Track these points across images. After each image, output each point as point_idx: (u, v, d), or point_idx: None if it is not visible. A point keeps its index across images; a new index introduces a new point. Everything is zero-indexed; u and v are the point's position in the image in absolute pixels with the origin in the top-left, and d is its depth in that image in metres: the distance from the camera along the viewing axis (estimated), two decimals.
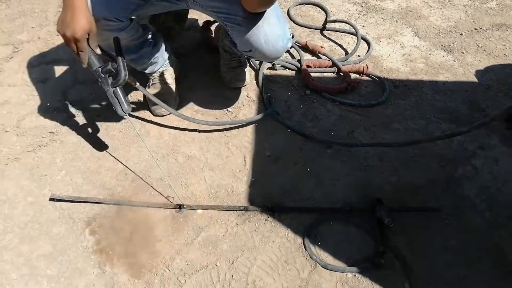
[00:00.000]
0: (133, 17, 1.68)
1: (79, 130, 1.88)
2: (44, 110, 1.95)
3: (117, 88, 1.52)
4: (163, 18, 2.05)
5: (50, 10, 2.47)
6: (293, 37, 2.32)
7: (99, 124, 1.91)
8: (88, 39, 1.44)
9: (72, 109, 1.94)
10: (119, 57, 1.50)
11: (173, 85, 2.00)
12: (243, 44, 1.64)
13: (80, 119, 1.93)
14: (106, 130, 1.89)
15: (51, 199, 1.65)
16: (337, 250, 1.55)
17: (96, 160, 1.78)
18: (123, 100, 1.54)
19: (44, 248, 1.53)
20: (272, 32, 1.60)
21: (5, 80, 2.08)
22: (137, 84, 1.72)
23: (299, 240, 1.58)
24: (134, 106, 1.99)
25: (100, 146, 1.83)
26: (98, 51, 1.51)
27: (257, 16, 1.56)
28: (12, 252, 1.51)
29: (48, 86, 2.05)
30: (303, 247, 1.55)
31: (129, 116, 1.63)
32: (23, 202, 1.65)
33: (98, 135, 1.87)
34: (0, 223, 1.58)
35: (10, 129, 1.87)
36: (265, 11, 1.57)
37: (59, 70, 2.13)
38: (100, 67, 1.49)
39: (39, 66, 2.15)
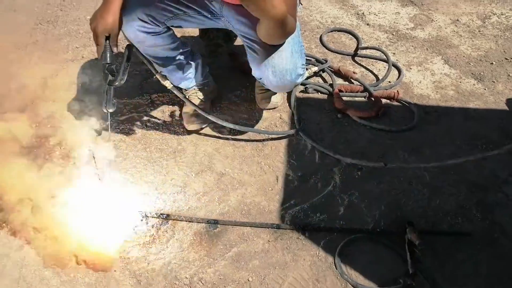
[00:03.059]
0: (170, 26, 1.78)
1: (119, 144, 1.96)
2: (85, 125, 2.04)
3: (111, 87, 1.64)
4: (213, 34, 2.15)
5: None
6: (326, 61, 2.39)
7: (138, 139, 1.99)
8: (109, 37, 1.57)
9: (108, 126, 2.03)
10: (124, 63, 1.62)
11: (207, 103, 2.08)
12: (255, 71, 1.74)
13: (121, 133, 2.01)
14: (145, 146, 1.97)
15: None
16: (368, 270, 1.57)
17: (135, 173, 1.85)
18: (111, 99, 1.66)
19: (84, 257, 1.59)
20: (281, 65, 1.66)
21: (50, 95, 2.19)
22: (172, 86, 1.82)
23: (330, 259, 1.60)
24: (160, 121, 2.07)
25: (139, 160, 1.90)
26: (115, 49, 1.62)
27: (272, 48, 1.64)
28: None
29: (90, 102, 2.15)
30: (334, 266, 1.57)
31: (110, 115, 1.77)
32: None
33: (137, 149, 1.94)
34: None
35: (54, 142, 1.96)
36: (281, 45, 1.63)
37: (100, 87, 2.23)
38: (107, 63, 1.60)
39: (82, 84, 2.26)
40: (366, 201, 1.79)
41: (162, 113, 2.13)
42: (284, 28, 1.48)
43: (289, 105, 2.20)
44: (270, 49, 1.64)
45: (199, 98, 2.04)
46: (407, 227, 1.64)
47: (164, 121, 2.09)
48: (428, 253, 1.60)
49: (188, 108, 2.04)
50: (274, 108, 2.17)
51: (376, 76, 2.43)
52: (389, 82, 2.38)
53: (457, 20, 2.86)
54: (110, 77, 1.63)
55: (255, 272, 1.55)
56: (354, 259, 1.60)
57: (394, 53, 2.59)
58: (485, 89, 2.34)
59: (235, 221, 1.70)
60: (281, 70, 1.67)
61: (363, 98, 2.28)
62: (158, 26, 1.73)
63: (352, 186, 1.84)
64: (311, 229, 1.68)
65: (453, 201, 1.79)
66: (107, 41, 1.60)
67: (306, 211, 1.75)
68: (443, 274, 1.55)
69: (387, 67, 2.45)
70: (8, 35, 2.53)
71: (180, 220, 1.69)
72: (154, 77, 1.88)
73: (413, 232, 1.60)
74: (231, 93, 2.24)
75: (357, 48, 2.57)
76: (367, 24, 2.83)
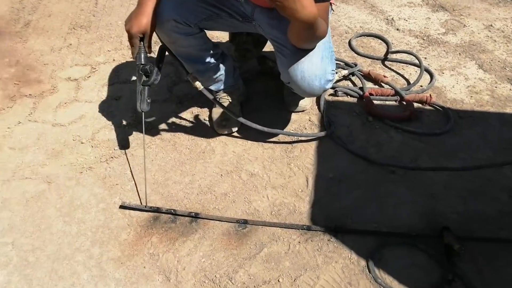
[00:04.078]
0: (202, 27, 1.80)
1: (148, 144, 1.97)
2: (117, 125, 2.07)
3: (145, 87, 1.67)
4: (243, 39, 2.15)
5: (124, 36, 2.64)
6: (356, 65, 2.36)
7: (167, 139, 2.00)
8: (143, 38, 1.61)
9: (143, 125, 2.04)
10: (158, 65, 1.69)
11: (237, 106, 2.07)
12: (284, 75, 1.72)
13: (150, 134, 2.02)
14: (174, 146, 1.97)
15: (121, 207, 1.72)
16: (402, 275, 1.51)
17: (164, 173, 1.86)
18: (145, 99, 1.69)
19: (113, 253, 1.58)
20: (310, 71, 1.64)
21: (83, 96, 2.23)
22: (202, 87, 1.82)
23: (362, 262, 1.55)
24: (189, 123, 2.07)
25: (168, 160, 1.91)
26: (148, 51, 1.65)
27: (302, 52, 1.63)
28: (84, 254, 1.58)
29: (121, 104, 2.18)
30: (367, 270, 1.53)
31: (145, 119, 1.80)
32: (95, 208, 1.73)
33: (166, 150, 1.95)
34: (74, 226, 1.67)
35: (86, 141, 1.99)
36: (311, 50, 1.63)
37: (131, 89, 2.26)
38: (142, 64, 1.63)
39: (113, 85, 2.29)
40: (399, 204, 1.74)
41: (191, 114, 2.13)
42: (315, 31, 1.47)
43: (318, 108, 2.18)
44: (300, 54, 1.63)
45: (229, 100, 2.04)
46: (444, 231, 1.59)
47: (193, 123, 2.09)
48: (466, 259, 1.53)
49: (217, 111, 2.04)
50: (303, 111, 2.15)
51: (407, 80, 2.39)
52: (421, 86, 2.33)
53: (491, 26, 2.80)
54: (144, 78, 1.66)
55: (286, 273, 1.52)
56: (388, 263, 1.55)
57: (425, 58, 2.54)
58: None
59: (264, 222, 1.67)
60: (310, 75, 1.65)
61: (394, 102, 2.23)
62: (191, 27, 1.74)
63: (385, 189, 1.79)
64: (343, 231, 1.63)
65: (491, 207, 1.72)
66: (141, 42, 1.63)
67: (337, 213, 1.71)
68: (482, 280, 1.49)
69: (418, 71, 2.41)
70: (44, 39, 2.60)
71: (210, 219, 1.68)
72: (186, 78, 1.89)
73: (452, 237, 1.54)
74: (260, 96, 2.23)
75: (387, 52, 2.53)
76: (397, 29, 2.80)
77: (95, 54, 2.51)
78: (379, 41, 2.69)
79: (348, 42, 2.66)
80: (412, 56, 2.51)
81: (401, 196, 1.77)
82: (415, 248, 1.59)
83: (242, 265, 1.54)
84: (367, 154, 1.93)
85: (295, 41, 1.58)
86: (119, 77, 2.35)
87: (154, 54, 1.94)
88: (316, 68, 1.65)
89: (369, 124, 2.10)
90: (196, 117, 2.12)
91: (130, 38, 1.61)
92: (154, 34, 1.71)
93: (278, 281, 1.50)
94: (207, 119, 2.11)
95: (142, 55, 1.64)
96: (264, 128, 1.91)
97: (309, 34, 1.50)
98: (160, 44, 1.82)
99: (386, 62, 2.51)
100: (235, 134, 2.03)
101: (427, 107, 2.20)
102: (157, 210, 1.70)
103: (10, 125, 2.06)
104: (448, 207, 1.73)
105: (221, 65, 1.99)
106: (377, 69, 2.45)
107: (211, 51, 1.91)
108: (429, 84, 2.34)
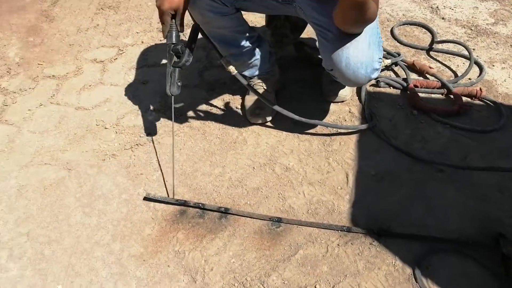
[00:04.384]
0: (239, 7, 1.67)
1: (177, 132, 1.85)
2: (144, 111, 1.95)
3: (176, 69, 1.55)
4: (280, 23, 2.00)
5: (154, 18, 2.52)
6: (399, 55, 2.19)
7: (197, 127, 1.87)
8: (175, 16, 1.49)
9: (171, 112, 1.93)
10: (190, 45, 1.56)
11: (272, 94, 1.93)
12: (326, 61, 1.56)
13: (178, 122, 1.90)
14: (203, 135, 1.84)
15: (145, 199, 1.61)
16: (453, 286, 1.36)
17: (192, 163, 1.73)
18: (175, 82, 1.56)
19: (135, 249, 1.47)
20: (356, 57, 1.49)
21: (108, 79, 2.12)
22: (236, 72, 1.69)
23: (408, 270, 1.40)
24: (220, 111, 1.93)
25: (197, 150, 1.78)
26: (180, 29, 1.53)
27: (347, 38, 1.48)
28: (103, 249, 1.47)
29: (149, 88, 2.06)
30: (414, 279, 1.38)
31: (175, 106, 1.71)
32: (118, 199, 1.62)
33: (195, 139, 1.82)
34: (94, 218, 1.56)
35: (110, 126, 1.88)
36: (357, 35, 1.48)
37: (160, 73, 2.14)
38: (173, 43, 1.52)
39: (141, 69, 2.18)
40: (448, 207, 1.57)
41: (222, 101, 2.00)
42: (364, 13, 1.32)
43: (359, 98, 2.01)
44: (345, 39, 1.48)
45: (263, 88, 1.90)
46: (500, 239, 1.42)
47: (224, 110, 1.96)
48: None
49: (251, 98, 1.91)
50: (343, 101, 1.99)
51: (454, 72, 2.20)
52: (469, 79, 2.14)
53: None
54: (175, 59, 1.54)
55: (324, 279, 1.38)
56: (436, 272, 1.39)
57: (474, 49, 2.34)
58: None
59: (300, 221, 1.53)
60: (355, 62, 1.50)
61: (440, 95, 2.06)
62: (226, 6, 1.61)
63: (432, 190, 1.63)
64: (387, 235, 1.48)
65: None
66: (173, 20, 1.51)
67: (380, 214, 1.56)
68: None
69: (466, 63, 2.22)
70: (70, 19, 2.50)
71: (240, 216, 1.55)
72: (219, 62, 1.75)
73: (510, 245, 1.38)
74: (296, 84, 2.08)
75: (432, 42, 2.35)
76: (442, 18, 2.60)
77: (123, 35, 2.40)
78: (423, 30, 2.50)
79: (390, 30, 2.48)
80: (459, 47, 2.32)
81: (450, 197, 1.61)
82: (468, 257, 1.43)
83: (275, 268, 1.41)
84: (412, 150, 1.76)
85: (341, 24, 1.43)
86: (148, 60, 2.23)
87: (185, 36, 1.80)
88: (362, 55, 1.50)
89: (414, 117, 1.93)
90: (228, 104, 1.98)
91: (161, 15, 1.49)
92: (187, 14, 1.58)
93: (315, 287, 1.36)
94: (239, 107, 1.97)
95: (174, 34, 1.53)
96: (301, 118, 1.77)
97: (359, 15, 1.34)
98: (193, 24, 1.68)
99: (431, 53, 2.32)
100: (269, 124, 1.89)
101: (477, 101, 2.02)
102: (184, 203, 1.58)
103: (31, 107, 1.96)
104: (503, 211, 1.56)
105: (257, 50, 1.85)
106: (422, 60, 2.27)
107: (247, 34, 1.78)
108: (478, 77, 2.15)
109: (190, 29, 1.66)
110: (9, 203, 1.60)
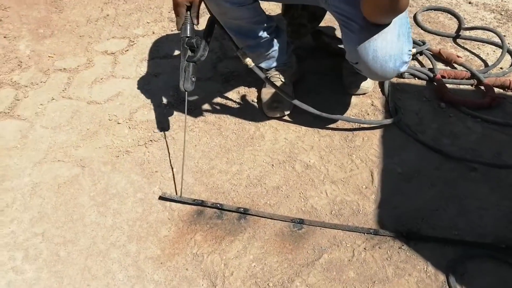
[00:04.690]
0: None
1: (191, 127, 1.77)
2: (157, 104, 1.87)
3: (190, 64, 1.48)
4: (298, 13, 1.89)
5: (165, 7, 2.43)
6: (424, 43, 2.07)
7: (212, 122, 1.79)
8: (190, 7, 1.44)
9: (185, 106, 1.85)
10: (206, 39, 1.50)
11: (290, 87, 1.83)
12: (351, 53, 1.46)
13: (192, 116, 1.81)
14: (219, 130, 1.76)
15: (161, 198, 1.53)
16: None
17: (208, 160, 1.65)
18: (189, 77, 1.49)
19: (152, 251, 1.40)
20: (384, 50, 1.39)
21: (120, 72, 2.04)
22: (253, 65, 1.61)
23: (441, 276, 1.31)
24: (236, 104, 1.84)
25: (213, 146, 1.70)
26: (196, 22, 1.48)
27: (375, 29, 1.38)
28: (119, 251, 1.41)
29: (161, 81, 1.98)
30: (447, 286, 1.29)
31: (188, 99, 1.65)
32: (132, 197, 1.55)
33: (211, 134, 1.74)
34: (109, 217, 1.49)
35: (123, 121, 1.81)
36: (386, 25, 1.37)
37: (172, 65, 2.05)
38: (187, 36, 1.46)
39: (153, 60, 2.09)
40: (482, 208, 1.48)
41: (237, 94, 1.91)
42: (398, 1, 1.22)
43: (382, 91, 1.91)
44: (372, 30, 1.38)
45: (281, 80, 1.81)
46: None
47: (240, 104, 1.87)
48: None
49: (268, 92, 1.82)
50: (364, 93, 1.89)
51: (484, 61, 2.08)
52: (501, 68, 2.02)
53: None
54: (189, 53, 1.47)
55: (350, 285, 1.30)
56: (472, 279, 1.30)
57: (504, 35, 2.21)
58: None
59: (323, 222, 1.45)
60: (383, 55, 1.39)
61: (470, 86, 1.94)
62: None
63: (464, 189, 1.53)
64: (417, 238, 1.39)
65: None
66: (188, 12, 1.44)
67: (409, 215, 1.47)
68: None
69: (497, 51, 2.10)
70: (80, 9, 2.42)
71: (260, 217, 1.47)
72: (235, 53, 1.66)
73: None
74: (315, 76, 1.98)
75: (459, 29, 2.23)
76: (469, 3, 2.47)
77: (134, 26, 2.31)
78: (449, 16, 2.37)
79: (413, 16, 2.35)
80: (489, 34, 2.19)
81: (484, 198, 1.51)
82: (505, 263, 1.33)
83: (298, 273, 1.33)
84: (442, 147, 1.66)
85: (370, 13, 1.33)
86: (159, 51, 2.14)
87: (200, 28, 1.71)
88: (391, 48, 1.40)
89: (442, 111, 1.82)
90: (244, 97, 1.89)
91: (176, 6, 1.42)
92: (202, 4, 1.49)
93: None
94: (256, 100, 1.88)
95: (188, 27, 1.46)
96: (322, 113, 1.67)
97: (392, 4, 1.24)
98: (209, 16, 1.59)
99: (458, 40, 2.20)
100: (287, 118, 1.80)
101: (510, 93, 1.90)
102: (201, 203, 1.50)
103: (43, 102, 1.89)
104: None
105: (275, 41, 1.75)
106: (449, 48, 2.15)
107: (265, 24, 1.68)
108: (511, 66, 2.02)
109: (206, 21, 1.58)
110: (23, 202, 1.54)
